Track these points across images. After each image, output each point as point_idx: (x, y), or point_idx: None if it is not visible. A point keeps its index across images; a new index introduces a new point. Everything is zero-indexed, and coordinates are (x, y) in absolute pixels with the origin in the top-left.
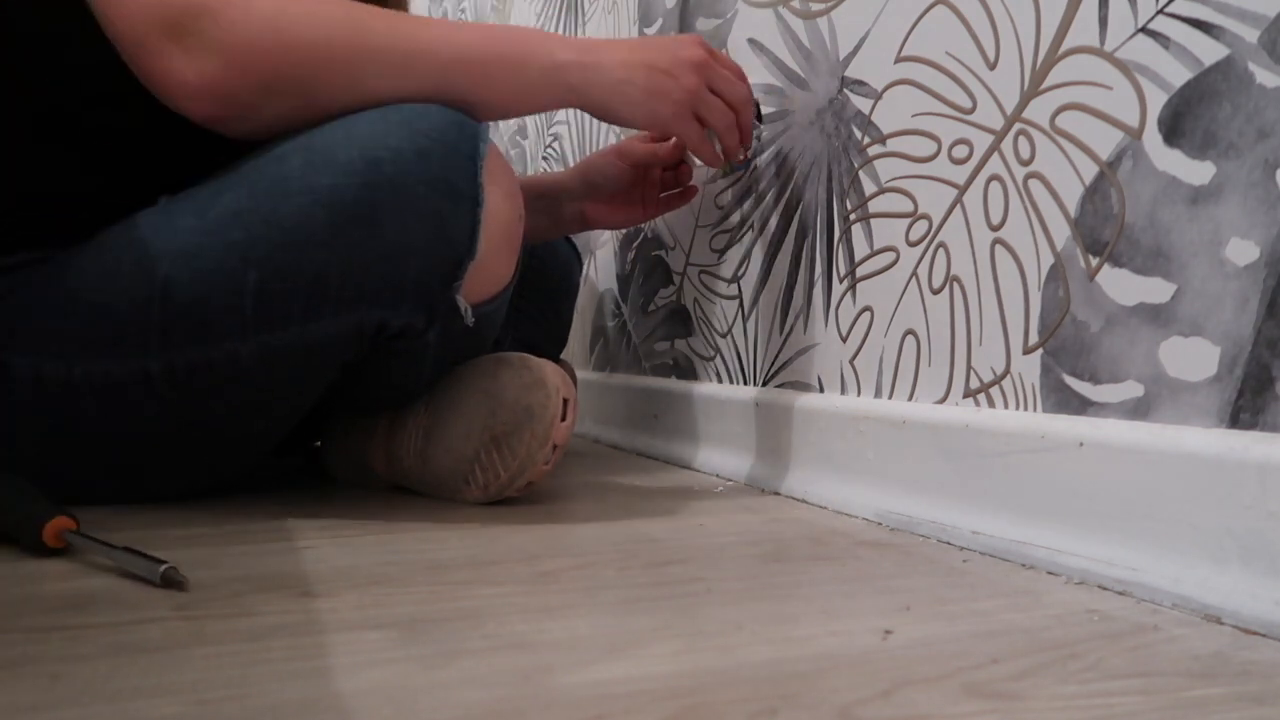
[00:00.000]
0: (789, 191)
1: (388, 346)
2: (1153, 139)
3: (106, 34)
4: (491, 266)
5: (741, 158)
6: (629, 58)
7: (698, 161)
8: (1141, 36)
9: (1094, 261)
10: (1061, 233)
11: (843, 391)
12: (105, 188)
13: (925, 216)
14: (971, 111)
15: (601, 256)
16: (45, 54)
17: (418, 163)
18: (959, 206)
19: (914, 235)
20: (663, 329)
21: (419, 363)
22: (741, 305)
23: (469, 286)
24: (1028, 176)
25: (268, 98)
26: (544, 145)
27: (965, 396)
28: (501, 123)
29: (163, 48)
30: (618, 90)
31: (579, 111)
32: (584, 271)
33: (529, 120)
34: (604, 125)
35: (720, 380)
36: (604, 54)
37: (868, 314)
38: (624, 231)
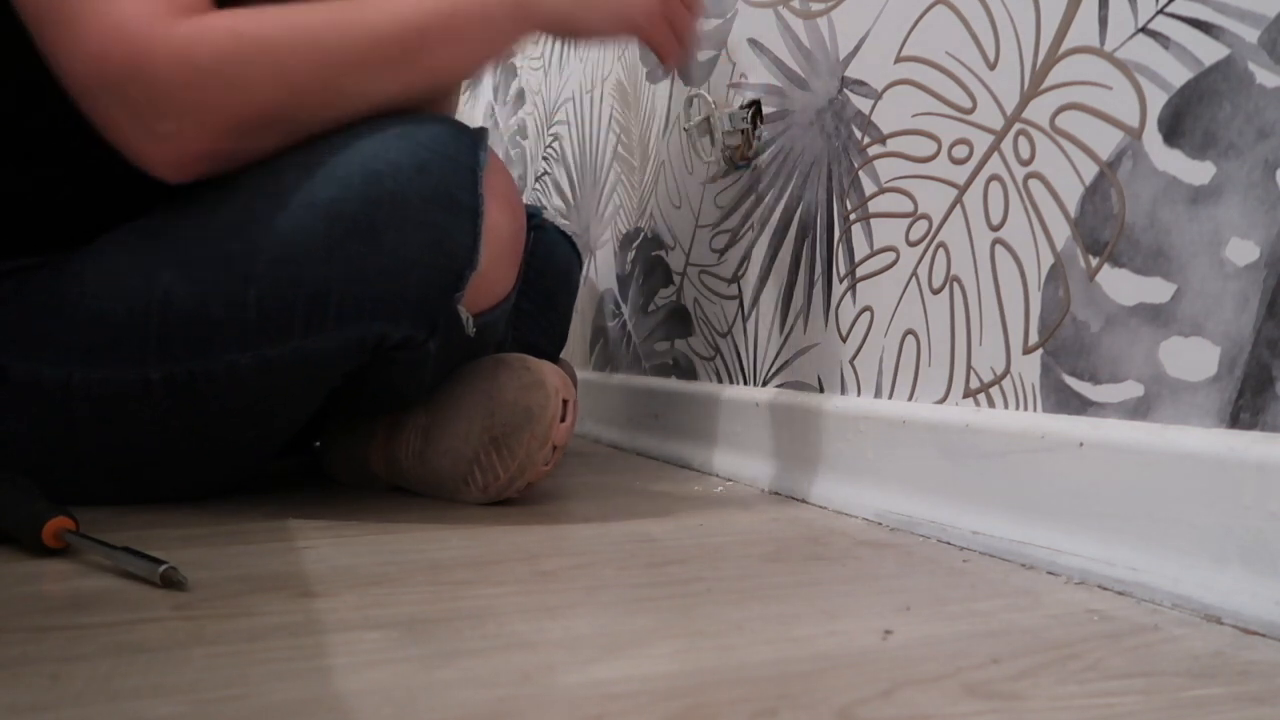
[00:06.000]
0: (789, 191)
1: (388, 356)
2: (1153, 139)
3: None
4: (493, 277)
5: (744, 157)
6: None
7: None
8: (1141, 36)
9: (1094, 261)
10: (1061, 233)
11: (843, 391)
12: (105, 195)
13: (925, 216)
14: (971, 111)
15: (601, 256)
16: (46, 66)
17: (417, 176)
18: (959, 206)
19: (914, 235)
20: (663, 329)
21: (420, 371)
22: (741, 305)
23: (470, 297)
24: (1028, 176)
25: (247, 141)
26: (544, 145)
27: (965, 396)
28: (501, 123)
29: (119, 120)
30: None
31: (578, 109)
32: (584, 271)
33: (528, 120)
34: (604, 125)
35: (720, 380)
36: None
37: (868, 314)
38: (624, 231)
